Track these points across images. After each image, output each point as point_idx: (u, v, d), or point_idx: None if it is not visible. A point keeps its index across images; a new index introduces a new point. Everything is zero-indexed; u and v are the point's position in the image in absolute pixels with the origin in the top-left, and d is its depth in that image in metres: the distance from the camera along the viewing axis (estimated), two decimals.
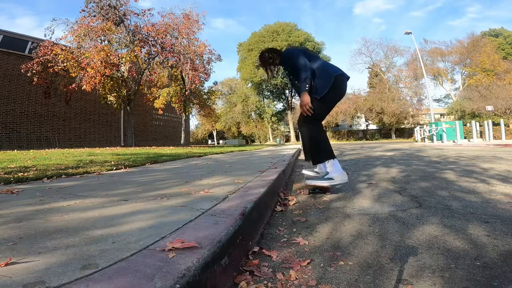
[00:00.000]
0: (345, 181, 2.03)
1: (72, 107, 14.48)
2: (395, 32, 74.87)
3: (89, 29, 11.57)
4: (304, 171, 2.17)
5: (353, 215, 1.54)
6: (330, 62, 2.28)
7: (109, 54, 11.25)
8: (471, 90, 29.51)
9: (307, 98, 1.97)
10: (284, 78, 37.57)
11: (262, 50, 2.36)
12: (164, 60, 13.91)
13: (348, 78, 2.10)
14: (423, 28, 71.41)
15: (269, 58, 2.26)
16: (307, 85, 1.95)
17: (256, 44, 36.54)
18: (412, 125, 30.98)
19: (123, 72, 12.98)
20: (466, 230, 1.22)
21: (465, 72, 34.72)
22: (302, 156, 6.60)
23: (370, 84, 35.77)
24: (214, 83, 22.07)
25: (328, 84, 1.96)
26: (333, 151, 2.07)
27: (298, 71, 1.99)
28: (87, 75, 11.03)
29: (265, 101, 41.18)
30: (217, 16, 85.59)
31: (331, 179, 1.99)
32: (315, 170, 2.12)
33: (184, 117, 17.53)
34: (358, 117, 36.65)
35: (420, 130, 16.59)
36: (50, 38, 11.92)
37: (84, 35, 11.52)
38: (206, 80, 16.81)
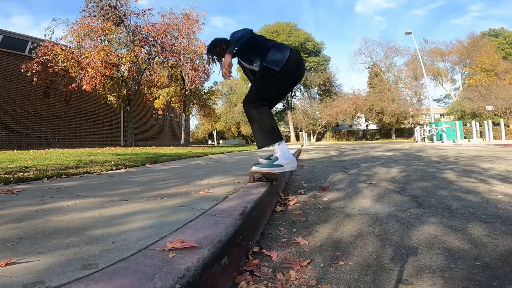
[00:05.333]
0: (294, 168, 1.90)
1: (72, 107, 14.50)
2: (397, 30, 74.87)
3: (89, 29, 11.58)
4: (260, 159, 2.04)
5: (353, 215, 1.54)
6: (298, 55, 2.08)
7: (109, 54, 11.27)
8: (471, 90, 29.51)
9: (228, 59, 1.77)
10: None
11: (209, 43, 2.12)
12: (164, 60, 13.93)
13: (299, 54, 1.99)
14: (424, 27, 71.41)
15: (219, 50, 2.04)
16: (236, 48, 1.75)
17: None
18: (412, 125, 30.98)
19: (123, 72, 13.00)
20: (466, 230, 1.22)
21: (465, 72, 34.74)
22: (302, 156, 6.60)
23: (370, 84, 35.77)
24: (214, 83, 22.10)
25: (285, 56, 1.83)
26: (280, 134, 1.89)
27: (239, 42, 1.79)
28: (87, 75, 11.04)
29: None
30: (216, 15, 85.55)
31: (280, 166, 1.83)
32: (270, 157, 1.98)
33: (184, 117, 17.55)
34: (358, 117, 36.66)
35: (420, 130, 16.59)
36: (50, 38, 11.96)
37: (84, 35, 11.54)
38: (206, 80, 16.85)
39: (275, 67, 1.85)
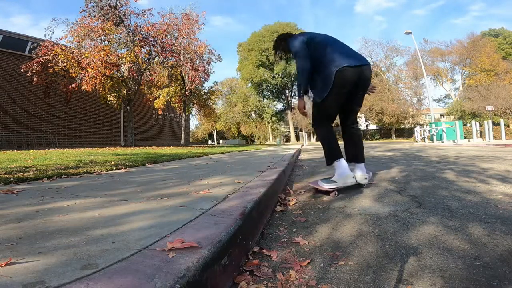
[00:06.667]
0: (348, 184, 1.99)
1: (72, 107, 14.48)
2: (397, 30, 74.90)
3: (89, 29, 11.57)
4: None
5: (353, 215, 1.54)
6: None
7: (109, 54, 11.26)
8: (471, 90, 29.48)
9: (300, 103, 2.05)
10: (284, 78, 37.55)
11: (275, 39, 2.39)
12: (164, 60, 13.92)
13: (358, 65, 1.96)
14: (424, 27, 71.46)
15: (279, 44, 2.34)
16: (301, 91, 2.02)
17: (256, 44, 36.53)
18: (412, 125, 30.97)
19: (123, 72, 12.99)
20: (466, 230, 1.22)
21: (465, 72, 34.73)
22: (302, 156, 6.60)
23: None
24: (214, 83, 22.10)
25: (328, 87, 1.90)
26: (340, 151, 2.06)
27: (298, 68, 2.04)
28: (87, 75, 11.03)
29: (265, 101, 41.20)
30: (216, 14, 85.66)
31: (334, 182, 1.97)
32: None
33: (184, 117, 17.54)
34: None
35: (420, 130, 16.59)
36: (50, 38, 11.94)
37: (84, 35, 11.53)
38: (206, 80, 16.84)
39: (317, 99, 2.00)
